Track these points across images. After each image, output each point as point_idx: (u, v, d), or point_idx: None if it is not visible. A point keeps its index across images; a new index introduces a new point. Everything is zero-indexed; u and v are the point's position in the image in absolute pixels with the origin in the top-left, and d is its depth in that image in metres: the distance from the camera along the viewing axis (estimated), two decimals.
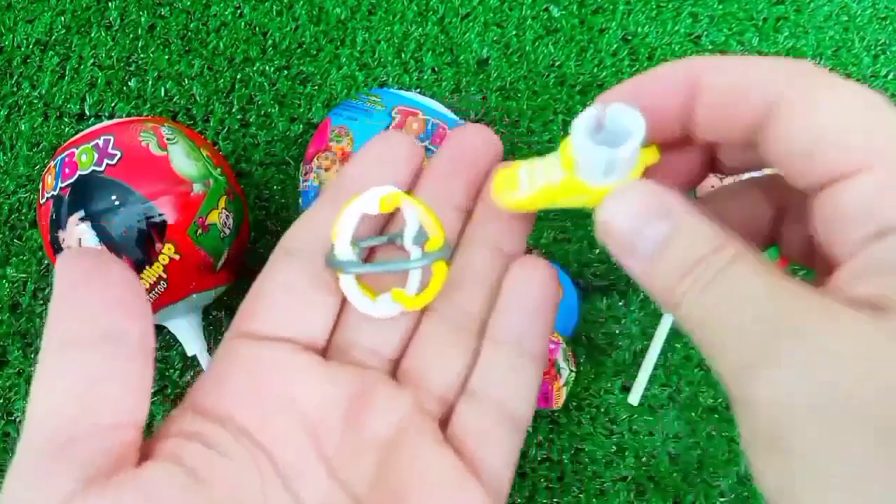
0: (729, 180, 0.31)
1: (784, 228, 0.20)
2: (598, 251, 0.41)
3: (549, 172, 0.18)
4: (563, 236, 0.41)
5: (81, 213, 0.31)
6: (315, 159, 0.34)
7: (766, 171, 0.20)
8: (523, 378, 0.20)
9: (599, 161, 0.17)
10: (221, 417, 0.17)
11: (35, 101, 0.43)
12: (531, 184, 0.19)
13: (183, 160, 0.33)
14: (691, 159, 0.19)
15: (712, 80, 0.17)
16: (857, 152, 0.15)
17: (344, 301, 0.20)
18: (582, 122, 0.17)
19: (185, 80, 0.43)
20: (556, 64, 0.44)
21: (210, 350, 0.36)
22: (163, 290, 0.32)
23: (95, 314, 0.16)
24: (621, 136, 0.17)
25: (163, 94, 0.43)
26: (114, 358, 0.16)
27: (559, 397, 0.37)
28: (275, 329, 0.19)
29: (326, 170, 0.33)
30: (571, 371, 0.37)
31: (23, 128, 0.42)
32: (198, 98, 0.43)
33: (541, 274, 0.20)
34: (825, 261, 0.16)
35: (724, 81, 0.17)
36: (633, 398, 0.38)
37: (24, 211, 0.41)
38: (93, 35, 0.44)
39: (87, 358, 0.15)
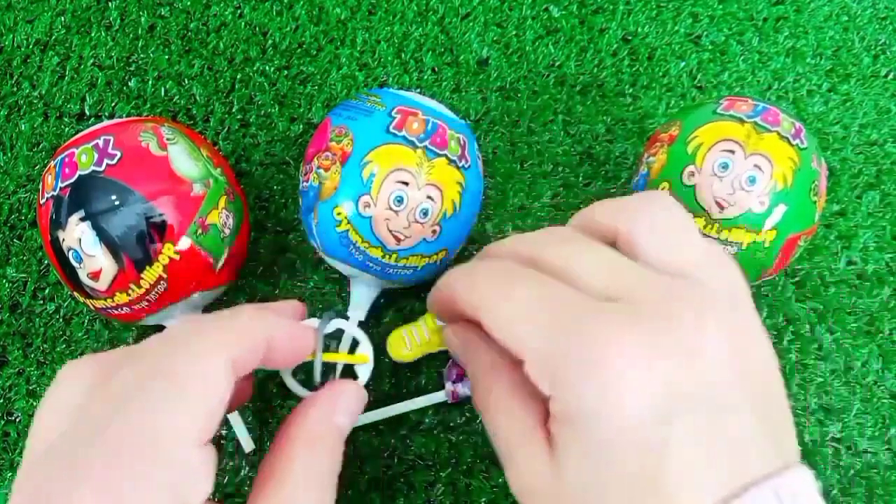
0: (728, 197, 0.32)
1: None
2: None
3: (422, 335, 0.35)
4: None
5: (81, 213, 0.31)
6: (315, 159, 0.34)
7: None
8: None
9: None
10: None
11: (35, 101, 0.43)
12: (413, 344, 0.35)
13: (183, 160, 0.33)
14: None
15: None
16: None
17: None
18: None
19: (185, 80, 0.43)
20: (556, 64, 0.44)
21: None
22: (163, 290, 0.32)
23: None
24: None
25: (163, 94, 0.43)
26: None
27: None
28: None
29: (326, 170, 0.33)
30: None
31: (23, 128, 0.42)
32: (198, 98, 0.43)
33: None
34: None
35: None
36: None
37: (24, 211, 0.41)
38: (93, 35, 0.44)
39: None
